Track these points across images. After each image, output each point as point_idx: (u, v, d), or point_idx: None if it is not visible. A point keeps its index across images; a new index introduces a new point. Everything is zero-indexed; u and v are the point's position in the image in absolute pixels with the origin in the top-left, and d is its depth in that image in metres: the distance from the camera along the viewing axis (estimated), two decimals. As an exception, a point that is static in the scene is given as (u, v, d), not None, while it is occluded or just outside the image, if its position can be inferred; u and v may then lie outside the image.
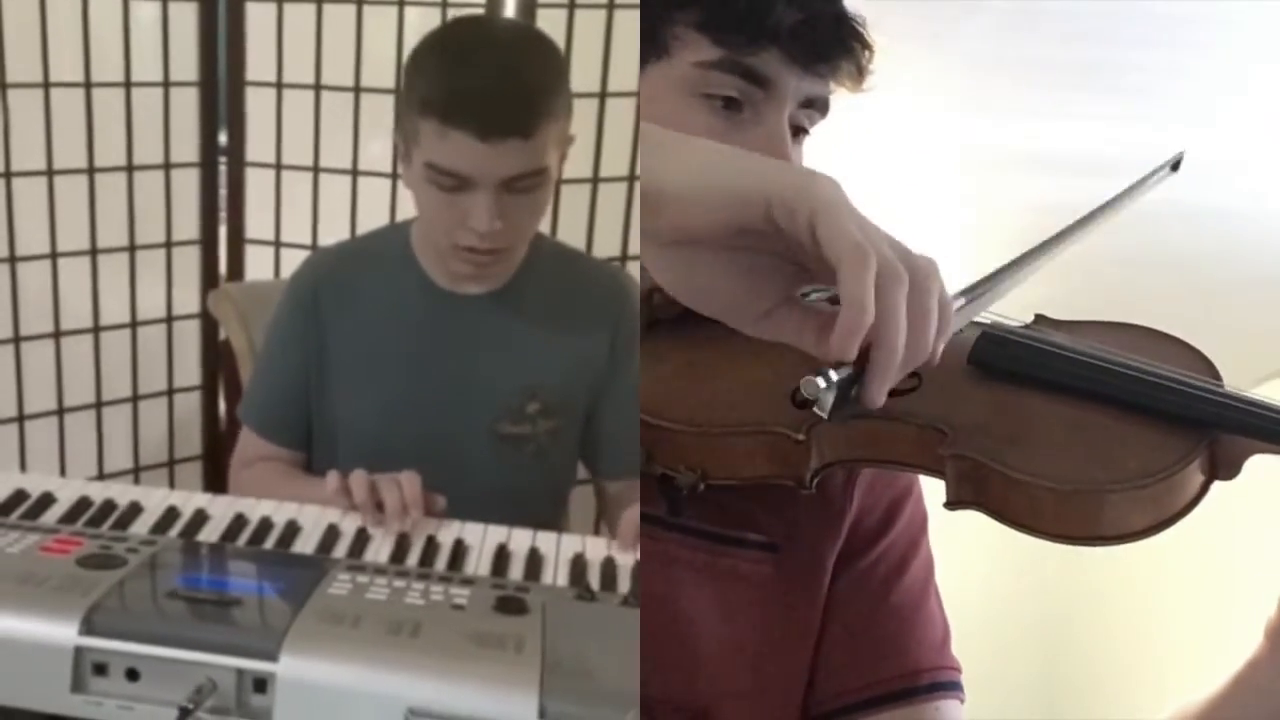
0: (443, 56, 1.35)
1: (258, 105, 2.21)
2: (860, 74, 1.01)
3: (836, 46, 0.99)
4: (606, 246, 2.10)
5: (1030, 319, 1.03)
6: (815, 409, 0.78)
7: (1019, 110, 2.72)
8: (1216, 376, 0.96)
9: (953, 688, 1.05)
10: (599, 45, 1.98)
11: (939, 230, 3.14)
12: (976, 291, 0.87)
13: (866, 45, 1.00)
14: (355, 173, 2.19)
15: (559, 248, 1.60)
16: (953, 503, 0.89)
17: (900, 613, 1.05)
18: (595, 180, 2.08)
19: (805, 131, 1.03)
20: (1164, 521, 0.88)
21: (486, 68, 1.31)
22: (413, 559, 1.18)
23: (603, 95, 2.00)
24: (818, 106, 1.02)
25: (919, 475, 0.98)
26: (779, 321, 0.81)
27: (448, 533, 1.25)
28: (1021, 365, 0.95)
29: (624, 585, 1.14)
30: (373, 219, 2.13)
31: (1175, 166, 1.04)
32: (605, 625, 1.01)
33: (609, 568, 1.18)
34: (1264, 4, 2.29)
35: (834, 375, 0.77)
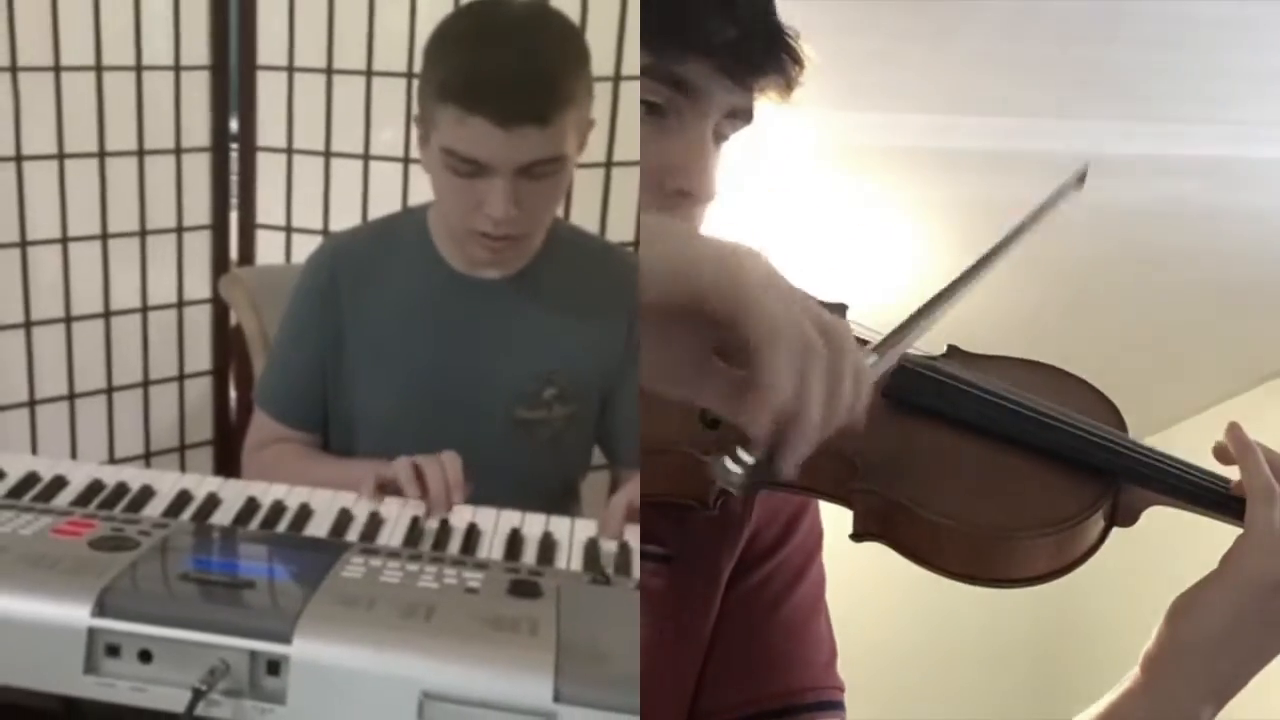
0: (463, 40, 1.34)
1: (269, 90, 2.21)
2: (789, 87, 1.00)
3: (768, 61, 0.98)
4: (619, 231, 2.09)
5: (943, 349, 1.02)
6: (727, 487, 0.78)
7: (1019, 110, 2.72)
8: (1121, 422, 0.97)
9: (834, 708, 1.05)
10: (613, 28, 1.97)
11: (938, 230, 3.13)
12: (887, 345, 0.87)
13: (798, 60, 0.99)
14: (367, 157, 2.19)
15: (576, 233, 1.60)
16: (858, 534, 0.89)
17: (787, 630, 1.05)
18: (609, 164, 2.07)
19: (725, 138, 1.02)
20: (1066, 566, 0.89)
21: (507, 53, 1.31)
22: (426, 543, 1.17)
23: (616, 79, 1.99)
24: (741, 116, 1.01)
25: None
26: (696, 385, 0.81)
27: (461, 516, 1.24)
28: (936, 402, 0.95)
29: (638, 570, 1.13)
30: (384, 204, 2.12)
31: (1081, 180, 1.03)
32: (619, 609, 1.01)
33: (623, 552, 1.17)
34: (1264, 4, 2.29)
35: (745, 457, 0.76)
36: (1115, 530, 0.93)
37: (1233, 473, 0.94)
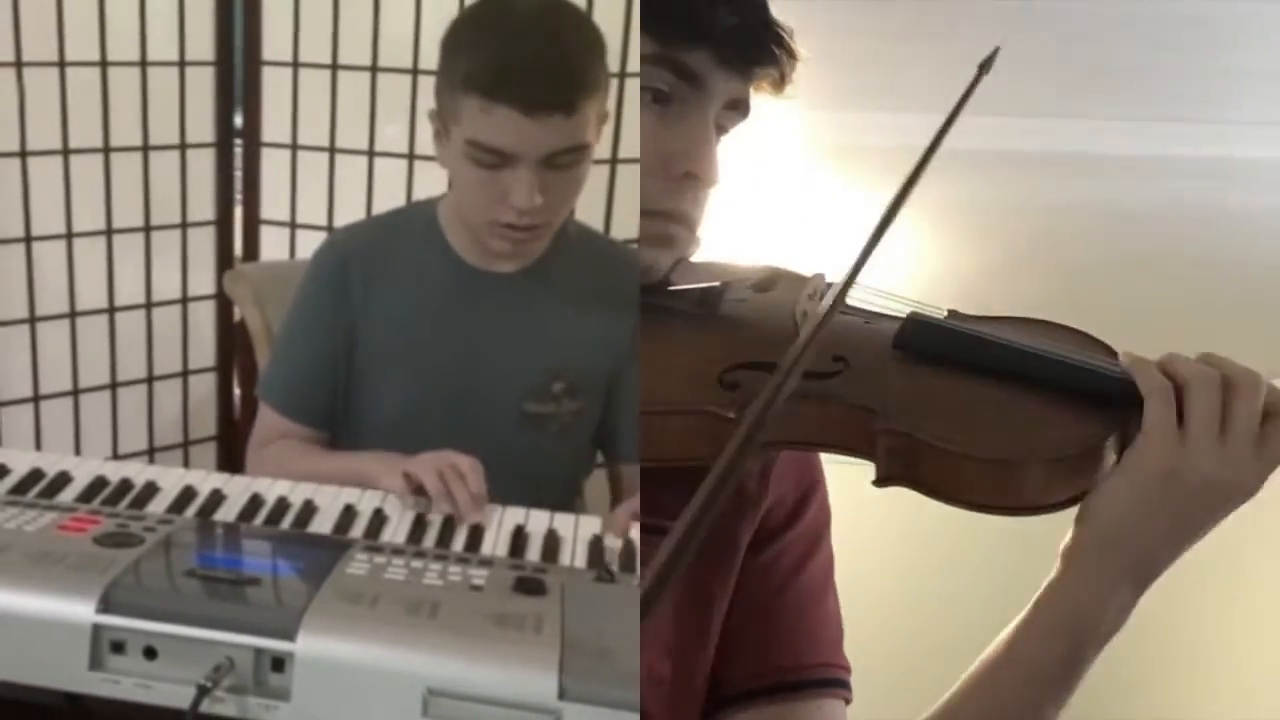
0: (485, 31, 1.34)
1: (274, 85, 2.21)
2: (782, 81, 1.06)
3: (764, 52, 1.03)
4: (624, 228, 2.09)
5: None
6: None
7: (1019, 110, 2.72)
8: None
9: (839, 686, 1.08)
10: (619, 26, 1.97)
11: (939, 230, 3.13)
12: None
13: (792, 54, 1.05)
14: (371, 153, 2.19)
15: (585, 229, 1.60)
16: (882, 479, 0.93)
17: (796, 608, 1.08)
18: (614, 161, 2.07)
19: (726, 131, 1.07)
20: (1082, 495, 0.94)
21: (532, 43, 1.31)
22: (430, 540, 1.17)
23: (622, 75, 1.98)
24: (740, 109, 1.06)
25: (845, 459, 1.00)
26: None
27: (465, 513, 1.24)
28: (946, 348, 0.99)
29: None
30: (389, 200, 2.12)
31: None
32: (624, 606, 1.01)
33: (627, 549, 1.18)
34: (1264, 4, 2.29)
35: None
36: None
37: None
